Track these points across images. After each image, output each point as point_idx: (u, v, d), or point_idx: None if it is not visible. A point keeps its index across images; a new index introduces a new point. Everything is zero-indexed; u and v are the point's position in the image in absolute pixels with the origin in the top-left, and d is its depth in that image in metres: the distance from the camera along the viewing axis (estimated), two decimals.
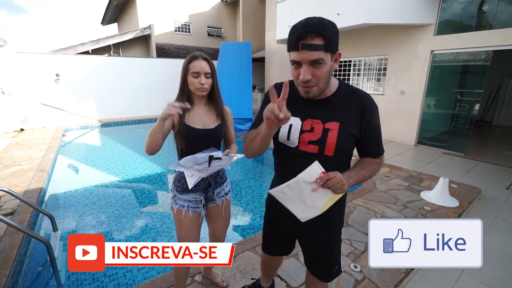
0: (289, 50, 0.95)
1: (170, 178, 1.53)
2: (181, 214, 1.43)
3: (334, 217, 1.18)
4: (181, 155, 1.41)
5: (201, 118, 1.41)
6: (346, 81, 7.58)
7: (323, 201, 0.98)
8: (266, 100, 1.11)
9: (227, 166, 1.33)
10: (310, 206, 0.99)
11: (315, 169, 0.92)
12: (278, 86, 1.02)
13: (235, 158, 1.34)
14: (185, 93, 1.40)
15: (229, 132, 1.51)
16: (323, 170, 0.92)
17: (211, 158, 1.30)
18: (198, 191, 1.45)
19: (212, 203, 1.53)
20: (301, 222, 1.06)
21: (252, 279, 1.81)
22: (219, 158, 1.32)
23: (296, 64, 0.93)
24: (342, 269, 1.30)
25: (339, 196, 0.98)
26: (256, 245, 2.25)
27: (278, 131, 1.08)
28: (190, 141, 1.37)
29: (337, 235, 1.24)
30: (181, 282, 1.59)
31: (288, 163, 1.12)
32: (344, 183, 0.92)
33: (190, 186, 1.30)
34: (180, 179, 1.42)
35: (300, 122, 1.05)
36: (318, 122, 1.03)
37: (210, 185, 1.48)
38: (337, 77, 6.57)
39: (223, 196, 1.55)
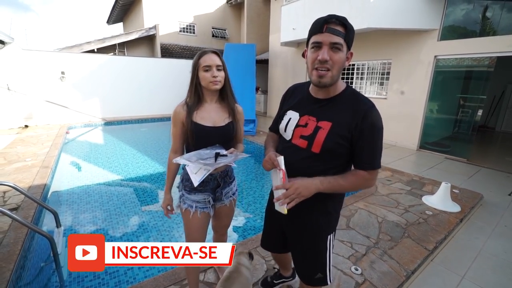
0: (311, 35, 1.01)
1: (178, 176, 1.50)
2: (189, 214, 1.41)
3: (319, 223, 1.18)
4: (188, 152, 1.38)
5: (211, 116, 1.37)
6: (353, 86, 7.56)
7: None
8: (284, 99, 1.31)
9: (232, 163, 1.28)
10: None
11: (281, 162, 1.05)
12: (294, 87, 1.29)
13: (240, 156, 1.31)
14: (196, 91, 1.36)
15: (239, 132, 1.47)
16: (284, 169, 1.03)
17: (217, 155, 1.27)
18: (207, 191, 1.42)
19: (220, 203, 1.50)
20: (289, 221, 1.22)
21: (274, 268, 1.93)
22: (225, 155, 1.29)
23: (316, 47, 0.98)
24: (330, 281, 1.24)
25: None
26: (257, 246, 2.25)
27: (280, 122, 1.21)
28: (199, 138, 1.34)
29: (322, 243, 1.20)
30: (192, 278, 1.58)
31: (282, 153, 1.16)
32: (299, 191, 0.95)
33: (195, 184, 1.25)
34: (189, 178, 1.37)
35: (298, 117, 1.13)
36: (313, 119, 1.08)
37: (219, 185, 1.45)
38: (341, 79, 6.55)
39: (231, 196, 1.52)
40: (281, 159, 1.06)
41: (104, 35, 12.45)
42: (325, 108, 1.07)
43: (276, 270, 1.87)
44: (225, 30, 14.03)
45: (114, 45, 10.93)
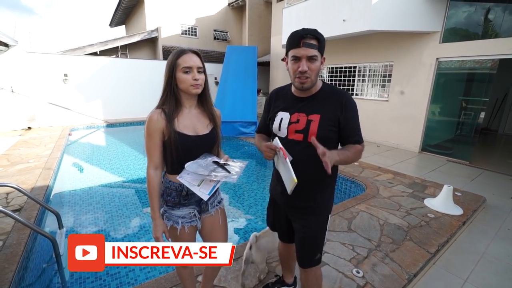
0: (289, 49, 1.18)
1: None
2: (176, 231, 1.29)
3: (318, 202, 1.31)
4: (171, 165, 1.25)
5: (193, 123, 1.26)
6: (348, 86, 7.59)
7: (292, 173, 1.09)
8: (269, 103, 1.42)
9: (240, 173, 1.21)
10: (287, 177, 1.14)
11: (277, 143, 1.17)
12: (276, 91, 1.42)
13: (243, 165, 1.25)
14: (173, 95, 1.22)
15: (218, 137, 1.37)
16: (282, 147, 1.14)
17: (218, 164, 1.20)
18: (192, 205, 1.31)
19: (205, 214, 1.39)
20: (293, 206, 1.34)
21: (276, 275, 1.93)
22: (227, 164, 1.22)
23: (296, 59, 1.16)
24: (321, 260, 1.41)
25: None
26: None
27: (272, 123, 1.33)
28: (183, 150, 1.21)
29: (323, 222, 1.35)
30: (188, 284, 1.53)
31: None
32: (325, 158, 1.01)
33: (206, 198, 1.18)
34: (171, 192, 1.27)
35: (289, 116, 1.27)
36: (303, 115, 1.24)
37: None
38: (342, 82, 6.53)
39: (216, 205, 1.42)
40: (276, 140, 1.18)
41: (106, 37, 12.54)
42: (311, 104, 1.24)
43: (278, 277, 1.86)
44: (226, 32, 14.09)
45: (117, 47, 11.01)
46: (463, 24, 5.24)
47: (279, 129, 1.28)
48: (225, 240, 1.48)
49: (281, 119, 1.28)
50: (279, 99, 1.36)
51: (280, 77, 9.70)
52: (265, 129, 1.45)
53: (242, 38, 14.19)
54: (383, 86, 6.57)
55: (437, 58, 5.42)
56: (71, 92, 8.34)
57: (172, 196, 1.27)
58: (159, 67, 9.82)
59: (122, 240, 2.78)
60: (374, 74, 6.75)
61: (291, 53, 1.17)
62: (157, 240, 1.24)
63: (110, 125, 8.88)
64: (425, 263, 2.18)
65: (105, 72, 8.83)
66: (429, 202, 3.27)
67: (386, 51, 6.25)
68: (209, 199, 1.31)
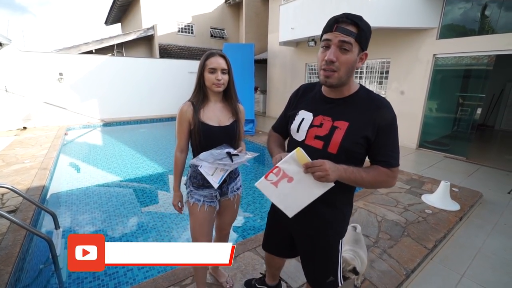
0: (323, 33, 0.99)
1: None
2: (196, 208, 1.47)
3: (332, 225, 1.15)
4: (196, 151, 1.43)
5: (216, 115, 1.44)
6: None
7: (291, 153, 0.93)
8: (293, 98, 1.25)
9: (246, 162, 1.35)
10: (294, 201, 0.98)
11: (294, 157, 0.92)
12: (305, 86, 1.25)
13: (251, 155, 1.35)
14: (201, 90, 1.43)
15: (241, 130, 1.55)
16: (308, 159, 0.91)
17: (230, 155, 1.31)
18: (213, 187, 1.44)
19: (224, 197, 1.56)
20: (300, 224, 1.14)
21: (261, 273, 1.84)
22: (237, 155, 1.33)
23: (326, 46, 0.97)
24: (340, 283, 1.23)
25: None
26: (257, 246, 2.25)
27: (292, 122, 1.15)
28: (205, 138, 1.39)
29: (334, 245, 1.18)
30: (200, 275, 1.63)
31: None
32: (328, 173, 0.88)
33: (216, 186, 1.33)
34: (196, 176, 1.45)
35: (312, 117, 1.09)
36: (329, 119, 1.05)
37: (225, 180, 1.49)
38: None
39: (235, 191, 1.59)
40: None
41: (102, 36, 12.42)
42: (340, 107, 1.05)
43: (262, 275, 1.79)
44: (223, 30, 14.02)
45: (112, 46, 10.91)
46: (460, 21, 5.24)
47: (298, 131, 1.12)
48: (231, 222, 1.72)
49: (302, 119, 1.11)
50: (306, 96, 1.18)
51: (277, 74, 9.68)
52: (282, 127, 1.28)
53: (239, 35, 14.13)
54: (380, 83, 6.57)
55: (434, 55, 5.43)
56: (67, 91, 8.26)
57: (197, 179, 1.46)
58: (155, 65, 9.75)
59: (120, 240, 2.77)
60: (371, 71, 6.75)
61: (323, 38, 0.99)
62: (174, 207, 1.54)
63: (107, 124, 8.81)
64: (423, 259, 2.19)
65: (101, 70, 8.75)
66: (427, 198, 3.28)
67: (383, 47, 6.25)
68: (230, 183, 1.54)
